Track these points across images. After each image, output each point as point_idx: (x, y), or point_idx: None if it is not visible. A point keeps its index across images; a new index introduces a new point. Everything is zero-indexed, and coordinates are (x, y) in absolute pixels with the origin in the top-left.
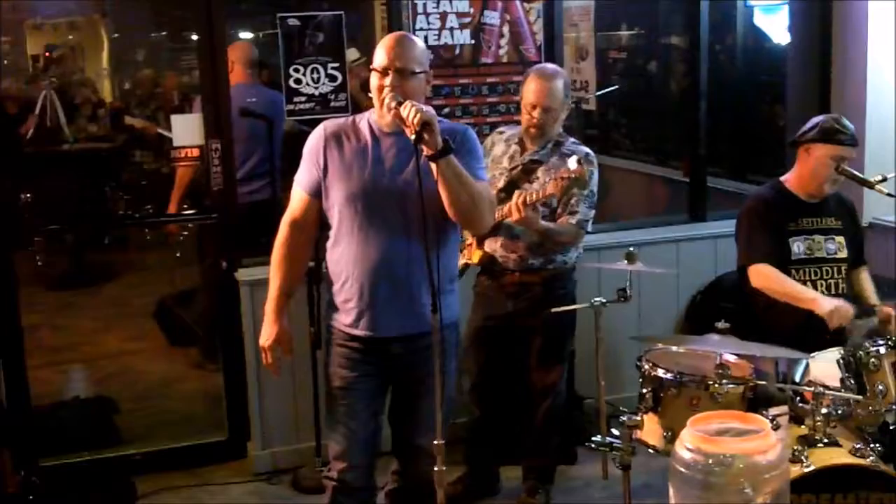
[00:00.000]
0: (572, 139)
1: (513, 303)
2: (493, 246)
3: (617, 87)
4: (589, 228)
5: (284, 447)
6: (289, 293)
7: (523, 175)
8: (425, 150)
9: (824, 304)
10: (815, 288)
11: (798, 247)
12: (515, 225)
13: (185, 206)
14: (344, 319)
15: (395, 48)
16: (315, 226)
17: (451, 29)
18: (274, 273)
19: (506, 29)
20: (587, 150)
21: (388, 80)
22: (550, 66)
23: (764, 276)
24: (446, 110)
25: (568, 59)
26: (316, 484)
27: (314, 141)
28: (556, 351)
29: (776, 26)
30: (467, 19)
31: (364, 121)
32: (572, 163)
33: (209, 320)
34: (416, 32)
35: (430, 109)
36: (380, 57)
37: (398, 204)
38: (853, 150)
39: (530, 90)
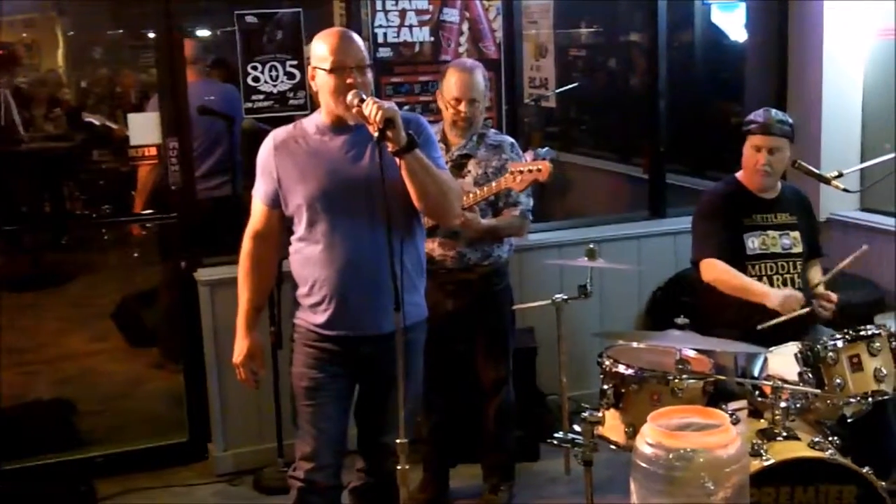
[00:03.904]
0: (493, 129)
1: (452, 302)
2: (431, 246)
3: (577, 84)
4: (530, 217)
5: (246, 448)
6: (259, 306)
7: (455, 170)
8: (390, 147)
9: (774, 297)
10: (772, 283)
11: (752, 242)
12: (458, 229)
13: (147, 206)
14: (314, 320)
15: (347, 46)
16: (278, 235)
17: (411, 26)
18: (242, 287)
19: (465, 26)
20: (511, 139)
21: (350, 79)
22: (468, 60)
23: (715, 270)
24: (406, 107)
25: (528, 56)
26: (278, 484)
27: (264, 153)
28: (500, 347)
29: (734, 24)
30: (426, 17)
31: (311, 123)
32: (542, 154)
33: (169, 321)
34: (375, 29)
35: (392, 105)
36: (333, 55)
37: (359, 200)
38: (773, 140)
39: (452, 84)
